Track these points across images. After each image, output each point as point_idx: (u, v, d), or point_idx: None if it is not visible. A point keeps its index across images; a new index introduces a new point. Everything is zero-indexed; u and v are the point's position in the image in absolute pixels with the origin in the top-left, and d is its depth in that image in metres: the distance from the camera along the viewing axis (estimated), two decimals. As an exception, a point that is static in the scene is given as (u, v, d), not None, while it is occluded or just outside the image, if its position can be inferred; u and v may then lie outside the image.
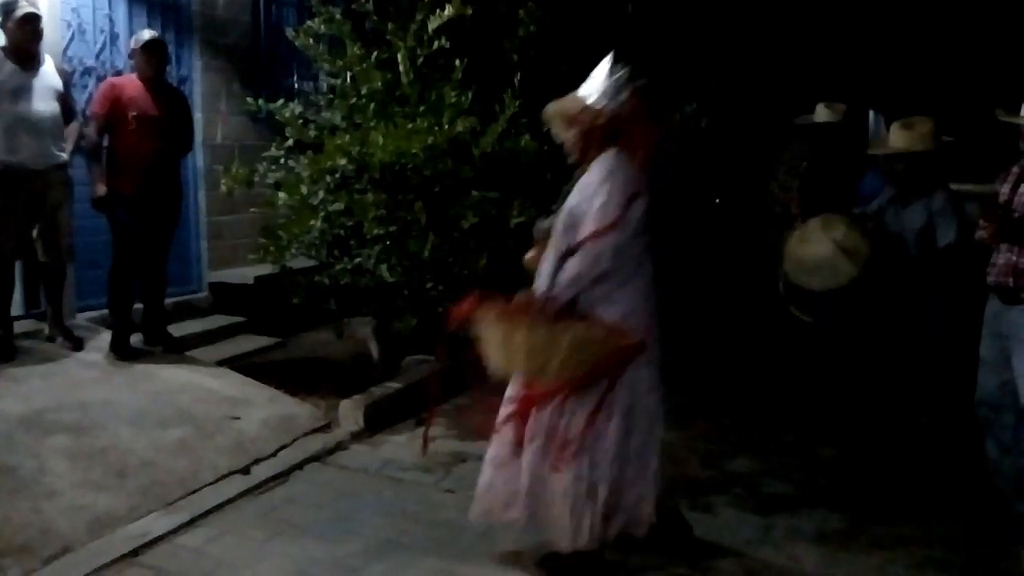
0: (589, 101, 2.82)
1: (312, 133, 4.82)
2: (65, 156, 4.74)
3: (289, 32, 5.01)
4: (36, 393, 4.20)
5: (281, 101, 4.88)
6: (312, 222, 4.71)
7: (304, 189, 4.69)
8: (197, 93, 6.25)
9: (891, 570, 3.11)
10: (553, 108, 2.95)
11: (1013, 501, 3.26)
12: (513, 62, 4.83)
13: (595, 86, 2.83)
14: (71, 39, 5.39)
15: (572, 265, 2.77)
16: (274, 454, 4.03)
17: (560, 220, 2.87)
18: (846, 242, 4.17)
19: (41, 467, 3.51)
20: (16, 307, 4.94)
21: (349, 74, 4.82)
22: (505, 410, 2.97)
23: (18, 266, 4.88)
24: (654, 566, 3.08)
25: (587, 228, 2.75)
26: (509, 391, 2.98)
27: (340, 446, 4.19)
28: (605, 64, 2.84)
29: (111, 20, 5.64)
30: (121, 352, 4.86)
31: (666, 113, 5.50)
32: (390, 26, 4.74)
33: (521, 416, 2.88)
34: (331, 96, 5.03)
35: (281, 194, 4.76)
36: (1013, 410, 3.16)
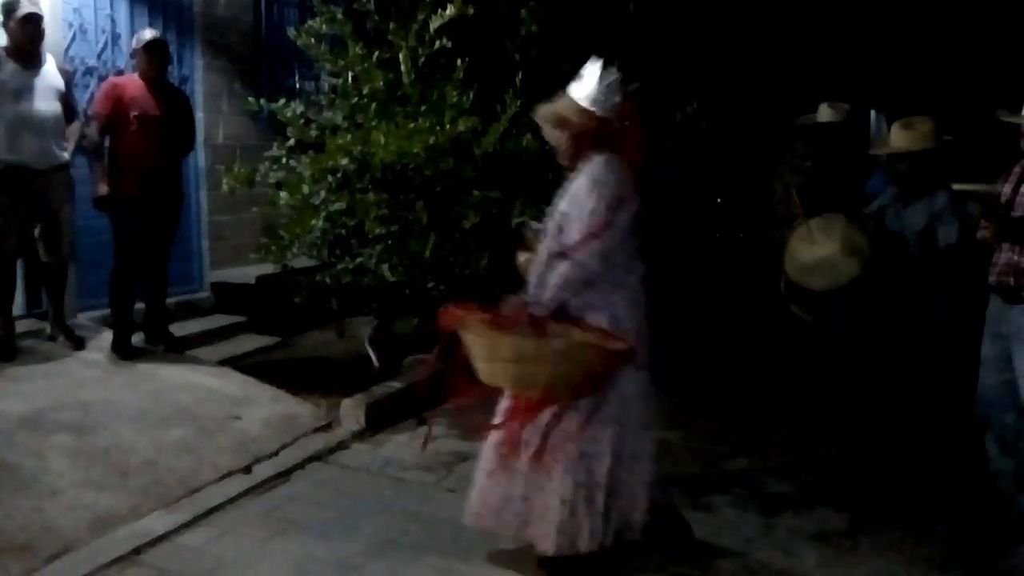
0: (580, 104, 2.81)
1: (314, 133, 4.82)
2: (67, 156, 4.75)
3: (291, 32, 5.01)
4: (38, 392, 4.21)
5: (283, 101, 4.89)
6: (313, 222, 4.71)
7: (305, 189, 4.70)
8: (199, 93, 6.25)
9: (892, 569, 3.11)
10: (544, 110, 2.94)
11: (1014, 500, 3.26)
12: (515, 62, 4.83)
13: (586, 89, 2.82)
14: (73, 39, 5.40)
15: (560, 270, 2.77)
16: (276, 453, 4.03)
17: (551, 223, 2.87)
18: (847, 242, 4.17)
19: (43, 466, 3.52)
20: (18, 307, 4.95)
21: (351, 74, 4.83)
22: (498, 418, 2.96)
23: (20, 265, 4.89)
24: (654, 566, 3.08)
25: (575, 233, 2.74)
26: (502, 401, 2.97)
27: (341, 445, 4.19)
28: (596, 67, 2.83)
29: (113, 20, 5.64)
30: (122, 351, 4.86)
31: (666, 113, 5.50)
32: (392, 26, 4.74)
33: (513, 425, 2.87)
34: (333, 96, 5.03)
35: (282, 194, 4.76)
36: (1014, 409, 3.15)
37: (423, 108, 4.66)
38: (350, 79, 4.84)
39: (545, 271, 2.81)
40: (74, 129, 4.81)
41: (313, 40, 4.90)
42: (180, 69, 6.12)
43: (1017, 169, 3.19)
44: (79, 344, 4.86)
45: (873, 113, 5.48)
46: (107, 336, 5.01)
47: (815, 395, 4.70)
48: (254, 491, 3.64)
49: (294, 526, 3.34)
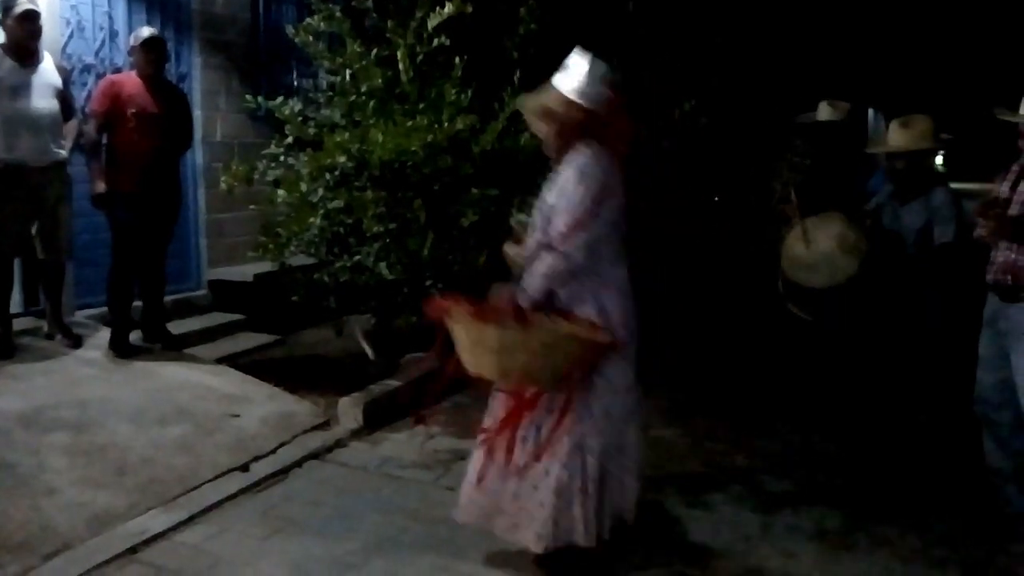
0: (567, 96, 2.80)
1: (312, 130, 4.82)
2: (64, 153, 4.74)
3: (289, 29, 5.01)
4: (35, 390, 4.20)
5: (280, 98, 4.88)
6: (311, 220, 4.71)
7: (303, 186, 4.69)
8: (196, 90, 6.25)
9: (890, 567, 3.11)
10: (531, 102, 2.94)
11: (1011, 498, 3.27)
12: (513, 60, 4.83)
13: (573, 80, 2.81)
14: (70, 36, 5.39)
15: (546, 262, 2.77)
16: (273, 451, 4.02)
17: (538, 215, 2.87)
18: (844, 240, 4.18)
19: (40, 464, 3.52)
20: (15, 305, 4.94)
21: (349, 71, 4.82)
22: (489, 423, 2.95)
23: (17, 263, 4.88)
24: (652, 564, 3.08)
25: (561, 225, 2.74)
26: (492, 405, 2.97)
27: (339, 443, 4.18)
28: (582, 58, 2.82)
29: (110, 17, 5.63)
30: (120, 349, 4.86)
31: (665, 110, 5.51)
32: (390, 23, 4.74)
33: (503, 431, 2.87)
34: (331, 93, 5.03)
35: (280, 192, 4.76)
36: (1012, 407, 3.16)
37: (421, 106, 4.66)
38: (348, 77, 4.84)
39: (532, 262, 2.81)
40: (72, 127, 4.80)
41: (311, 38, 4.90)
42: (178, 67, 6.11)
43: (1015, 168, 3.19)
44: (77, 342, 4.86)
45: (871, 111, 5.49)
46: (105, 334, 5.01)
47: (813, 393, 4.71)
48: (252, 489, 3.64)
49: (292, 524, 3.34)
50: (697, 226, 7.16)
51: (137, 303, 5.15)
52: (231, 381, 4.76)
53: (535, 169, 4.66)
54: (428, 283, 4.71)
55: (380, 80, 4.69)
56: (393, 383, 4.72)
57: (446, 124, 4.47)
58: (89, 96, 5.22)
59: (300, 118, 4.86)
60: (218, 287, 6.29)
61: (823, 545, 3.27)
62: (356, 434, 4.30)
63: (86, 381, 4.44)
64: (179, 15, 6.15)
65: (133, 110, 4.86)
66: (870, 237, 4.15)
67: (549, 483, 2.80)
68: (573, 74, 2.81)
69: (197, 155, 6.18)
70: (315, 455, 4.03)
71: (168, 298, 5.50)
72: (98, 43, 5.58)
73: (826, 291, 4.23)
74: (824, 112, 5.20)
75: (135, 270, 5.03)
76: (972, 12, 8.65)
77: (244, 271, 6.19)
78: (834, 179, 4.96)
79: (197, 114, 6.00)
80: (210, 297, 6.27)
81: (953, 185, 4.17)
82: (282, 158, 4.97)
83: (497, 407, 2.94)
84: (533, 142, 4.59)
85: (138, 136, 4.86)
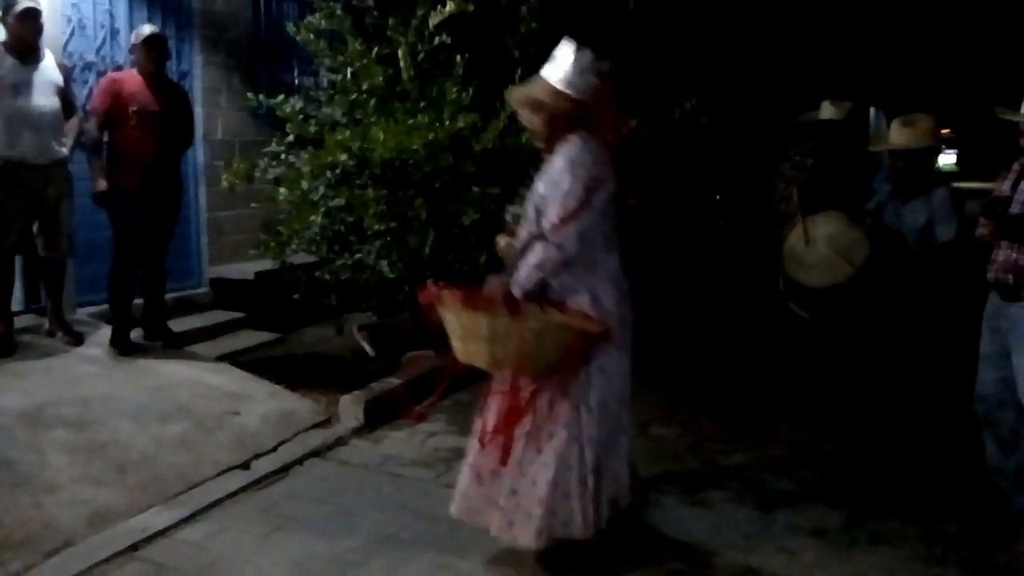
0: (555, 86, 2.79)
1: (312, 129, 4.82)
2: (65, 151, 4.75)
3: (290, 27, 5.02)
4: (36, 388, 4.21)
5: (281, 96, 4.89)
6: (312, 218, 4.71)
7: (304, 185, 4.70)
8: (197, 88, 6.25)
9: (890, 566, 3.11)
10: (519, 93, 2.93)
11: (1012, 497, 3.27)
12: (514, 58, 4.82)
13: (560, 71, 2.80)
14: (71, 34, 5.39)
15: (537, 252, 2.77)
16: (274, 449, 4.03)
17: (530, 206, 2.87)
18: (845, 239, 4.18)
19: (41, 462, 3.52)
20: (16, 302, 4.95)
21: (350, 70, 4.82)
22: (485, 421, 2.95)
23: (18, 261, 4.89)
24: (652, 562, 3.08)
25: (552, 215, 2.74)
26: (489, 404, 2.97)
27: (340, 441, 4.19)
28: (569, 48, 2.81)
29: (111, 15, 5.64)
30: (121, 347, 4.86)
31: (666, 109, 5.50)
32: (391, 22, 4.74)
33: (498, 432, 2.87)
34: (332, 92, 5.03)
35: (281, 190, 4.77)
36: (1012, 406, 3.16)
37: (422, 104, 4.66)
38: (349, 75, 4.84)
39: (525, 254, 2.81)
40: (73, 125, 4.80)
41: (312, 36, 4.90)
42: (179, 64, 6.11)
43: (1016, 167, 3.19)
44: (78, 340, 4.86)
45: (873, 110, 5.49)
46: (106, 332, 5.01)
47: (814, 391, 4.71)
48: (253, 487, 3.64)
49: (292, 522, 3.34)
50: (696, 225, 7.15)
51: (138, 301, 5.15)
52: (232, 379, 4.76)
53: (536, 167, 4.68)
54: (429, 281, 4.71)
55: (381, 78, 4.69)
56: (394, 381, 4.72)
57: (447, 122, 4.47)
58: (90, 94, 5.22)
59: (301, 116, 4.87)
60: (219, 285, 6.30)
61: (823, 544, 3.26)
62: (357, 432, 4.31)
63: (87, 379, 4.44)
64: (180, 13, 6.15)
65: (134, 108, 4.86)
66: (871, 237, 4.15)
67: (547, 476, 2.80)
68: (560, 64, 2.81)
69: (198, 153, 6.18)
70: (316, 453, 4.03)
71: (169, 296, 5.50)
72: (99, 41, 5.58)
73: (827, 290, 4.24)
74: (826, 111, 5.20)
75: (136, 268, 5.03)
76: (974, 11, 8.65)
77: (245, 269, 6.20)
78: (836, 178, 4.97)
79: (198, 112, 6.00)
80: (211, 295, 6.27)
81: (965, 184, 4.16)
82: (283, 156, 4.98)
83: (493, 407, 2.94)
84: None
85: (139, 134, 4.86)
